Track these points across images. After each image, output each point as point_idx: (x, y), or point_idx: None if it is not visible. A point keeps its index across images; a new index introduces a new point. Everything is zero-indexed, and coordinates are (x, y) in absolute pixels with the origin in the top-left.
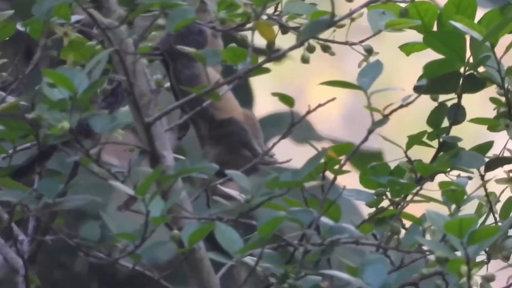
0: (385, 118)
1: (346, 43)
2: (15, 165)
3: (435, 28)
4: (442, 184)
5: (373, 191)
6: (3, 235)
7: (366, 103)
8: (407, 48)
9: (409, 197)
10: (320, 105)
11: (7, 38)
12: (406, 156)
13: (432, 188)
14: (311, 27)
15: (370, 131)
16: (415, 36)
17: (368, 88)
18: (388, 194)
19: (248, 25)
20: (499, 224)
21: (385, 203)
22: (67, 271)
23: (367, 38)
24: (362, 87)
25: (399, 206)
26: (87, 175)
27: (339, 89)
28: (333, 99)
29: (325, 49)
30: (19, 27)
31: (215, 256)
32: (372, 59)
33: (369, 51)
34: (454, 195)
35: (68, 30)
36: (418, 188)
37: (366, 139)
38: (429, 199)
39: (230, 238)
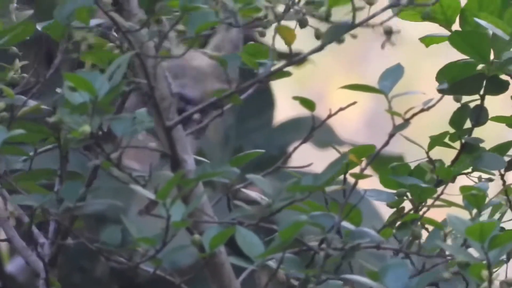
0: (406, 122)
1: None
2: (37, 169)
3: (457, 23)
4: (463, 189)
5: (393, 191)
6: (24, 238)
7: (386, 106)
8: (427, 40)
9: (430, 201)
10: (341, 109)
11: (28, 41)
12: (428, 156)
13: (453, 190)
14: (333, 31)
15: (391, 135)
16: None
17: (389, 92)
18: (409, 194)
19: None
20: None
21: (405, 204)
22: (88, 275)
23: (388, 19)
24: (383, 91)
25: (420, 210)
26: (107, 178)
27: (359, 93)
28: (354, 103)
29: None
30: (39, 27)
31: (236, 261)
32: (393, 37)
33: (389, 32)
34: (475, 199)
35: (87, 34)
36: (439, 192)
37: (387, 143)
38: (450, 203)
39: (251, 243)
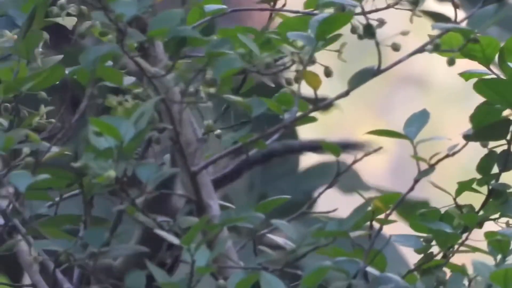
0: (432, 167)
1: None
2: (61, 215)
3: (496, 61)
4: (488, 234)
5: (421, 237)
6: (49, 283)
7: (412, 152)
8: (466, 76)
9: (455, 247)
10: (366, 155)
11: (54, 86)
12: (455, 202)
13: (478, 235)
14: (358, 76)
15: (416, 181)
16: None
17: (414, 138)
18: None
19: (290, 65)
20: None
21: (433, 249)
22: None
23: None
24: (409, 137)
25: (446, 255)
26: (133, 224)
27: (385, 138)
28: (380, 148)
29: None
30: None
31: None
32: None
33: (415, 3)
34: (499, 245)
35: (122, 100)
36: (464, 238)
37: (412, 188)
38: (474, 249)
39: None
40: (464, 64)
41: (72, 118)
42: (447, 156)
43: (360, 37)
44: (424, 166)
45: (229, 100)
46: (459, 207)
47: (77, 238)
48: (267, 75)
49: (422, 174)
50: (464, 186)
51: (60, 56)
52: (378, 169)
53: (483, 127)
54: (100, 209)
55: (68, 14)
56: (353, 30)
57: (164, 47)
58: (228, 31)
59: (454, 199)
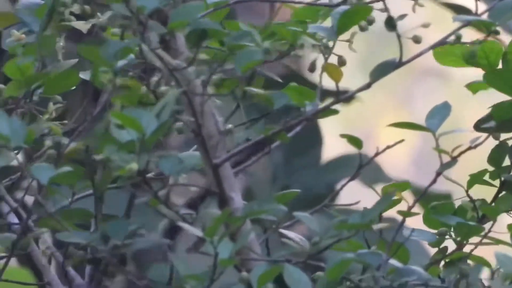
0: (454, 160)
1: None
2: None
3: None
4: (510, 226)
5: (435, 231)
6: (60, 279)
7: (434, 144)
8: (473, 87)
9: (475, 239)
10: (388, 147)
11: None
12: (468, 195)
13: (496, 228)
14: (380, 69)
15: (438, 173)
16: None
17: (436, 130)
18: (452, 234)
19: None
20: None
21: (447, 243)
22: None
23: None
24: (431, 129)
25: (463, 248)
26: (154, 216)
27: (407, 130)
28: (402, 141)
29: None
30: (82, 76)
31: None
32: None
33: None
34: None
35: (113, 76)
36: (487, 230)
37: (434, 181)
38: (498, 241)
39: (298, 280)
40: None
41: (94, 110)
42: (469, 148)
43: (370, 23)
44: (446, 158)
45: (251, 93)
46: (472, 200)
47: (100, 230)
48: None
49: (444, 166)
50: (475, 179)
51: (75, 60)
52: (401, 161)
53: (504, 121)
54: (111, 204)
55: (71, 14)
56: (369, 22)
57: (185, 40)
58: (233, 23)
59: (466, 192)
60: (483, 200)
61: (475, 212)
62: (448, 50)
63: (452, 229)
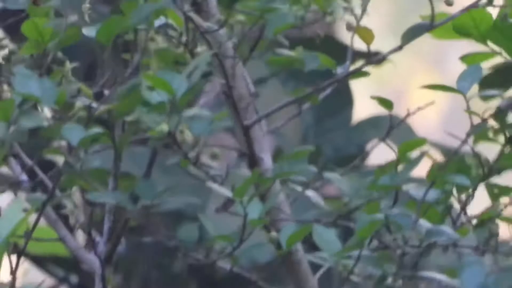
0: (484, 122)
1: None
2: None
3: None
4: None
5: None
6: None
7: (465, 106)
8: (469, 60)
9: (508, 200)
10: (419, 109)
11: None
12: (473, 151)
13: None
14: (412, 31)
15: (468, 135)
16: None
17: (467, 92)
18: (454, 191)
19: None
20: None
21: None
22: (166, 272)
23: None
24: (461, 91)
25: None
26: (184, 177)
27: (438, 92)
28: (432, 102)
29: None
30: (85, 33)
31: (313, 258)
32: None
33: None
34: None
35: (154, 35)
36: None
37: (465, 142)
38: None
39: (328, 240)
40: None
41: (125, 71)
42: (499, 110)
43: None
44: (477, 120)
45: (282, 54)
46: (476, 155)
47: (129, 190)
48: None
49: (474, 128)
50: (480, 136)
51: (75, 17)
52: (431, 122)
53: None
54: (128, 162)
55: None
56: None
57: (217, 2)
58: None
59: (472, 149)
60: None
61: (481, 169)
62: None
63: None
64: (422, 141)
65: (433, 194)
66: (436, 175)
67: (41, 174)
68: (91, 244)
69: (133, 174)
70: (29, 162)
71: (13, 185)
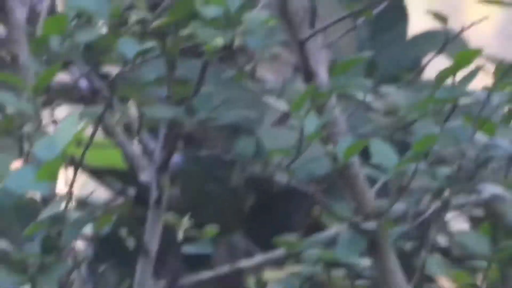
0: None
1: None
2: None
3: None
4: None
5: None
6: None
7: None
8: None
9: None
10: (474, 23)
11: None
12: None
13: None
14: None
15: None
16: None
17: None
18: None
19: None
20: None
21: None
22: (223, 185)
23: None
24: None
25: None
26: (239, 91)
27: (493, 6)
28: (487, 17)
29: None
30: None
31: (370, 171)
32: None
33: None
34: None
35: None
36: None
37: None
38: None
39: (384, 154)
40: None
41: None
42: None
43: None
44: None
45: None
46: None
47: (185, 104)
48: None
49: None
50: None
51: None
52: (486, 36)
53: None
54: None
55: None
56: None
57: None
58: None
59: None
60: None
61: None
62: None
63: None
64: (478, 52)
65: (495, 101)
66: (499, 79)
67: (98, 82)
68: (147, 151)
69: (188, 81)
70: (85, 68)
71: (72, 91)
